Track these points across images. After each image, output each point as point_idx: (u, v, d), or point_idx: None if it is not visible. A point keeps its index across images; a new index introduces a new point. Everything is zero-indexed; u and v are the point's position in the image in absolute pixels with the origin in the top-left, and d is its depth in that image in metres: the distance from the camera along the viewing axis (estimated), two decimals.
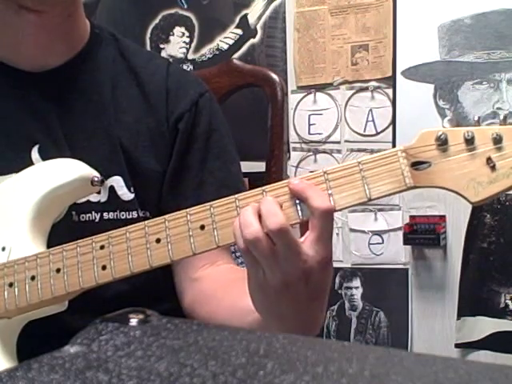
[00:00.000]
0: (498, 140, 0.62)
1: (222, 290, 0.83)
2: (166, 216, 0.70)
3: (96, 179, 0.78)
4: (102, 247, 0.72)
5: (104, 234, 0.72)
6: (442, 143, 0.63)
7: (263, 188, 0.67)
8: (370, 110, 1.64)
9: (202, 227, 0.68)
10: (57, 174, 0.79)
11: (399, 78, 1.59)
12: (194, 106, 0.95)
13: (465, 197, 0.62)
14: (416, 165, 0.64)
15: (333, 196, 0.65)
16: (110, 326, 0.33)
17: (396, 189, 0.64)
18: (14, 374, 0.28)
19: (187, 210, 0.69)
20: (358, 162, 0.65)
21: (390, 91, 1.61)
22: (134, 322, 0.34)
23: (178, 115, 0.93)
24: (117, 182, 0.88)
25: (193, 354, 0.30)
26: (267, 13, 1.70)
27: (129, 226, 0.71)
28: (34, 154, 0.87)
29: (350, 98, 1.66)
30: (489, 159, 0.61)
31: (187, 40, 1.77)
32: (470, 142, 0.62)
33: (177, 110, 0.94)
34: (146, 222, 0.71)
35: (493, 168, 0.61)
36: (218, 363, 0.29)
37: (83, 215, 0.87)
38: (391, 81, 1.60)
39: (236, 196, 0.67)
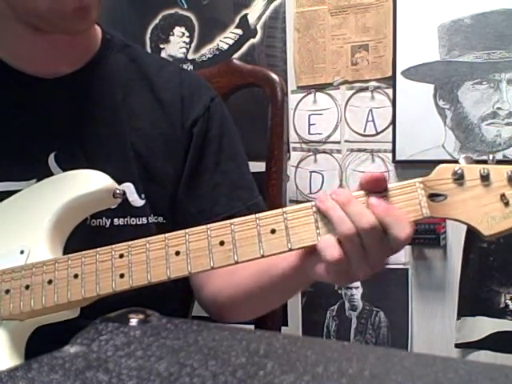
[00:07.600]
0: None
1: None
2: (187, 230, 0.71)
3: (118, 191, 0.79)
4: (121, 256, 0.72)
5: (124, 244, 0.73)
6: (459, 178, 0.66)
7: (284, 210, 0.69)
8: (370, 110, 1.64)
9: (222, 243, 0.69)
10: (81, 184, 0.81)
11: (399, 78, 1.59)
12: (207, 111, 0.96)
13: (478, 230, 0.64)
14: (433, 196, 0.67)
15: None
16: (110, 326, 0.33)
17: (413, 218, 0.66)
18: (14, 374, 0.28)
19: (208, 225, 0.70)
20: None
21: (390, 91, 1.61)
22: (134, 322, 0.34)
23: (192, 120, 0.95)
24: (128, 188, 0.89)
25: (193, 353, 0.30)
26: (267, 13, 1.70)
27: (149, 238, 0.72)
28: (51, 161, 0.87)
29: (350, 98, 1.66)
30: (503, 196, 0.64)
31: (187, 40, 1.76)
32: (485, 178, 0.65)
33: (191, 116, 0.95)
34: (167, 234, 0.72)
35: (506, 204, 0.64)
36: (218, 363, 0.29)
37: (94, 220, 0.87)
38: (391, 81, 1.60)
39: (257, 215, 0.69)
